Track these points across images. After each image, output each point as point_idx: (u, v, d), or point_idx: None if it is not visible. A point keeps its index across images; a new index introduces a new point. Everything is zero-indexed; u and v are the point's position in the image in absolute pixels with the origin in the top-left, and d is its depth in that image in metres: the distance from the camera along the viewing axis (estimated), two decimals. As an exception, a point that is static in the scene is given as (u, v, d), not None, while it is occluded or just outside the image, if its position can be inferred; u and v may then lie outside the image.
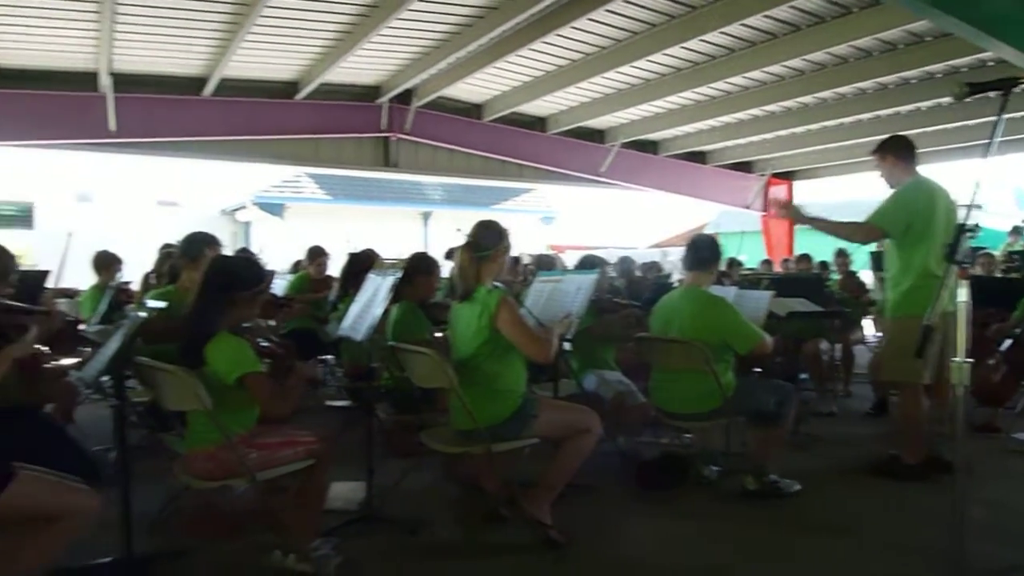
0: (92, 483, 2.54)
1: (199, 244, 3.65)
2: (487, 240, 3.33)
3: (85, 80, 7.46)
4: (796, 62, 7.71)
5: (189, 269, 3.59)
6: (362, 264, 4.66)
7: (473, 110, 9.85)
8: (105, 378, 2.96)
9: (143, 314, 2.79)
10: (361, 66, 8.06)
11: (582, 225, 21.84)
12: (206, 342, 2.74)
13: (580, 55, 7.87)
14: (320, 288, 5.95)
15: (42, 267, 4.36)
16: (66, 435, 3.07)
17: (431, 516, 3.57)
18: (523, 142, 10.36)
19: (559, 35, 7.05)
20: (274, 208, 17.11)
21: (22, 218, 14.76)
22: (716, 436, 4.29)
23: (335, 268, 6.76)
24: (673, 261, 8.90)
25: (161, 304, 2.94)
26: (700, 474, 4.09)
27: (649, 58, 7.54)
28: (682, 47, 7.28)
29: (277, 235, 15.21)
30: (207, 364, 2.73)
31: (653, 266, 7.88)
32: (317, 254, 6.40)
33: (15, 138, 7.62)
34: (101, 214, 16.02)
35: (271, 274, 4.69)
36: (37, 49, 6.85)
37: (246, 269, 2.94)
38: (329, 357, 5.74)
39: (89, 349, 3.83)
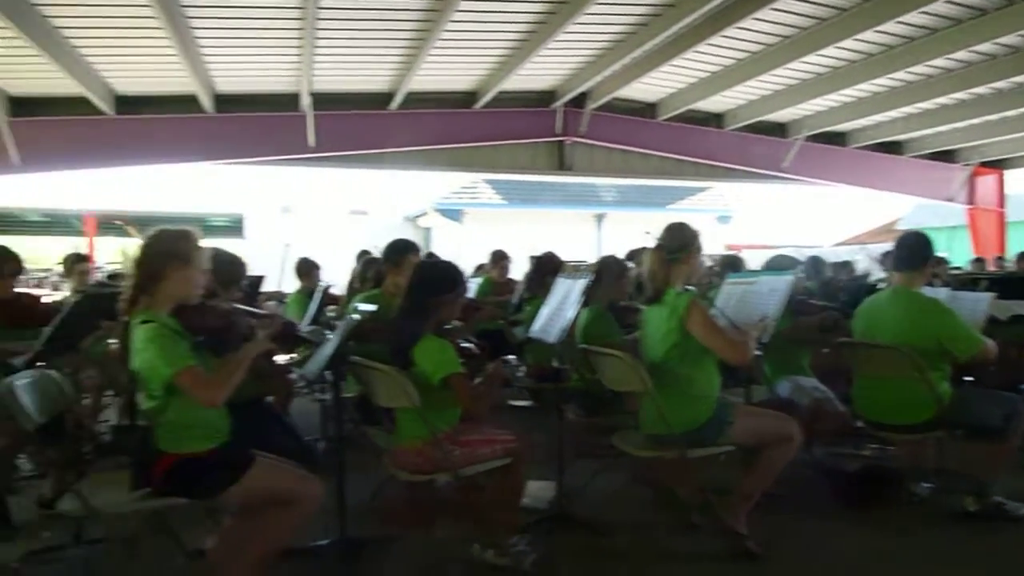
0: (310, 471, 2.80)
1: (402, 250, 3.89)
2: (678, 242, 3.29)
3: (288, 101, 8.17)
4: (1010, 38, 6.95)
5: (393, 274, 3.84)
6: (547, 267, 4.76)
7: (648, 109, 9.75)
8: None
9: (357, 316, 3.01)
10: (537, 72, 8.22)
11: (760, 224, 20.96)
12: (413, 344, 2.92)
13: (761, 46, 7.56)
14: (503, 291, 6.14)
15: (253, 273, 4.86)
16: (289, 426, 3.37)
17: (621, 519, 3.57)
18: (699, 139, 10.11)
19: (739, 27, 6.81)
20: (453, 214, 17.86)
21: (235, 228, 16.48)
22: (927, 450, 3.96)
23: (516, 271, 6.96)
24: (869, 259, 8.30)
25: (372, 307, 3.16)
26: (910, 491, 3.80)
27: (838, 45, 7.10)
28: (876, 31, 6.79)
29: (456, 240, 15.88)
30: (414, 364, 2.91)
31: (845, 266, 7.40)
32: (500, 257, 6.60)
33: (229, 156, 8.50)
34: (300, 224, 17.50)
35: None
36: (247, 75, 7.59)
37: (449, 273, 3.10)
38: (511, 357, 5.88)
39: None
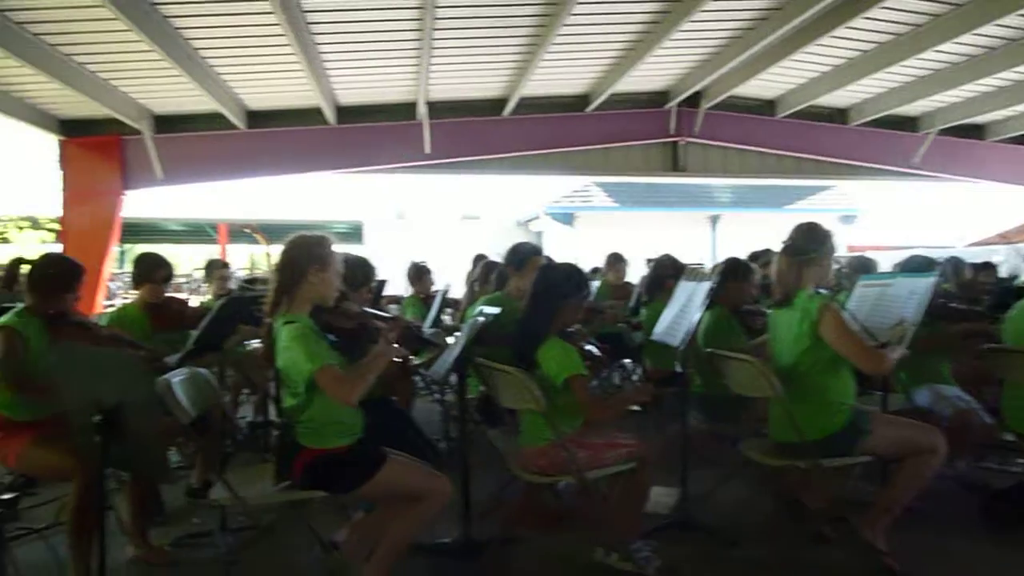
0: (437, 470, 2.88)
1: (525, 253, 3.94)
2: (809, 243, 3.18)
3: (405, 111, 8.42)
4: None
5: (516, 277, 3.90)
6: (666, 270, 4.70)
7: (766, 107, 9.43)
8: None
9: (481, 319, 3.07)
10: (650, 73, 8.12)
11: (887, 223, 19.87)
12: (537, 346, 2.95)
13: (890, 36, 7.16)
14: (619, 294, 6.11)
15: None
16: (415, 426, 3.47)
17: (747, 528, 3.48)
18: (821, 136, 9.69)
19: (866, 17, 6.49)
20: (565, 217, 17.88)
21: (354, 235, 17.21)
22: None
23: (631, 274, 6.92)
24: (1017, 258, 7.71)
25: (496, 310, 3.22)
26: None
27: (977, 31, 6.63)
28: (1020, 15, 6.31)
29: (568, 243, 15.90)
30: (538, 366, 2.95)
31: (987, 267, 6.90)
32: (616, 260, 6.57)
33: (350, 166, 8.83)
34: (415, 229, 18.06)
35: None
36: (367, 87, 7.87)
37: (573, 276, 3.12)
38: (627, 361, 5.86)
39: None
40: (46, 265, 3.33)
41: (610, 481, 3.16)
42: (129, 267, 18.63)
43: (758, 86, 8.70)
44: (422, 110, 8.21)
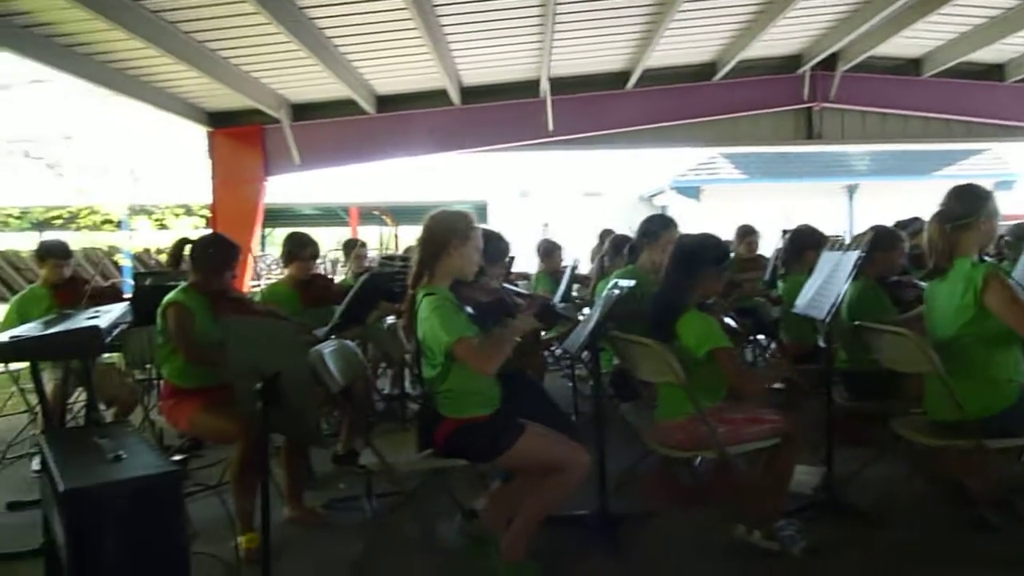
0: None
1: (660, 226, 3.89)
2: (963, 207, 2.95)
3: (527, 88, 8.44)
4: None
5: (649, 250, 3.86)
6: (805, 241, 4.50)
7: (910, 66, 8.79)
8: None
9: (616, 292, 3.05)
10: (781, 37, 7.74)
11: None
12: (676, 318, 2.91)
13: (1057, -20, 6.50)
14: (750, 267, 5.91)
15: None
16: (550, 398, 3.51)
17: (898, 512, 3.31)
18: (974, 95, 8.93)
19: (1029, -39, 5.91)
20: (690, 191, 17.41)
21: (479, 214, 17.61)
22: None
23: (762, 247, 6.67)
24: None
25: (631, 282, 3.19)
26: None
27: None
28: None
29: (693, 217, 15.51)
30: (677, 339, 2.90)
31: None
32: (747, 233, 6.36)
33: (475, 145, 8.96)
34: (537, 207, 18.16)
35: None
36: (491, 66, 7.94)
37: (712, 247, 3.05)
38: (760, 337, 5.67)
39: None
40: (207, 245, 3.59)
41: (750, 457, 3.09)
42: (270, 250, 19.93)
43: (901, 44, 8.11)
44: (544, 87, 8.19)
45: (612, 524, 3.27)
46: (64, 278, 4.74)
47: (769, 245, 6.60)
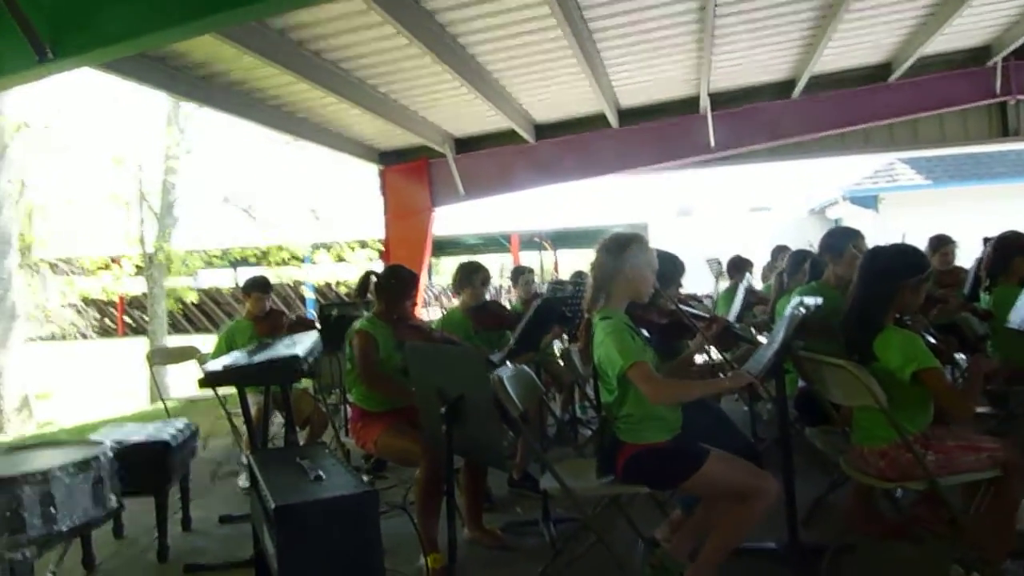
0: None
1: (843, 239, 3.67)
2: None
3: (686, 105, 8.27)
4: None
5: (834, 264, 3.64)
6: (1011, 248, 4.06)
7: (1124, 47, 7.78)
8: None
9: (802, 310, 2.88)
10: (967, 27, 7.08)
11: None
12: (872, 336, 2.70)
13: None
14: (947, 280, 5.39)
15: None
16: (732, 422, 3.36)
17: None
18: None
19: None
20: (867, 201, 16.25)
21: (639, 236, 17.63)
22: None
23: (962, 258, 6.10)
24: None
25: (818, 300, 3.00)
26: None
27: None
28: None
29: (870, 229, 14.48)
30: (875, 359, 2.69)
31: None
32: (942, 243, 5.82)
33: (635, 166, 8.87)
34: (699, 225, 17.72)
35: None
36: (647, 86, 7.85)
37: (909, 258, 2.81)
38: (960, 356, 5.14)
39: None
40: (390, 276, 3.78)
41: (963, 490, 2.79)
42: (438, 279, 20.80)
43: (1114, 23, 7.19)
44: (704, 103, 8.00)
45: (806, 557, 3.04)
46: (265, 311, 5.17)
47: (966, 256, 6.02)
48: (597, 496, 3.09)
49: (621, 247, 2.77)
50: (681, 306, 3.14)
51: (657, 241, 2.99)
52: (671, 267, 3.39)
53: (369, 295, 3.85)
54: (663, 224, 18.10)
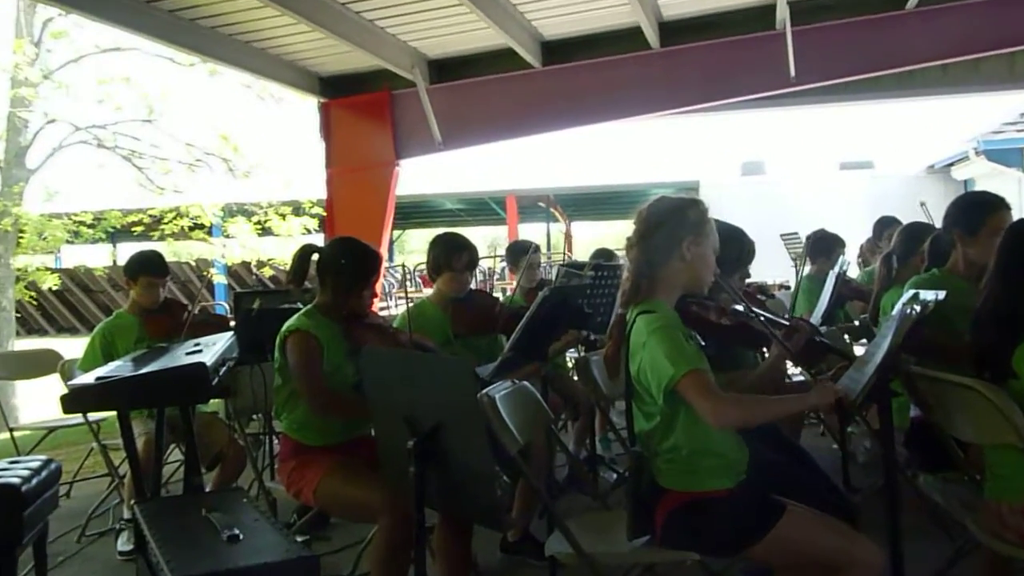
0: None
1: (977, 209, 3.68)
2: None
3: (756, 19, 8.21)
4: None
5: (965, 245, 3.65)
6: None
7: None
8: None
9: (916, 309, 2.90)
10: None
11: None
12: (1014, 345, 2.72)
13: None
14: None
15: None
16: (816, 466, 3.39)
17: None
18: None
19: None
20: (1009, 156, 16.14)
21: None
22: None
23: None
24: None
25: (939, 294, 3.03)
26: None
27: None
28: None
29: (1015, 196, 14.46)
30: (1016, 376, 2.72)
31: None
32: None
33: (683, 104, 8.76)
34: (771, 188, 17.72)
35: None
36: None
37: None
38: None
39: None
40: (339, 253, 3.79)
41: None
42: (403, 260, 20.52)
43: None
44: (782, 14, 7.98)
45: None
46: (158, 302, 5.17)
47: None
48: (627, 565, 3.11)
49: (672, 217, 2.79)
50: (757, 310, 3.16)
51: (714, 210, 3.00)
52: (736, 247, 3.41)
53: (309, 282, 3.86)
54: (722, 185, 18.05)
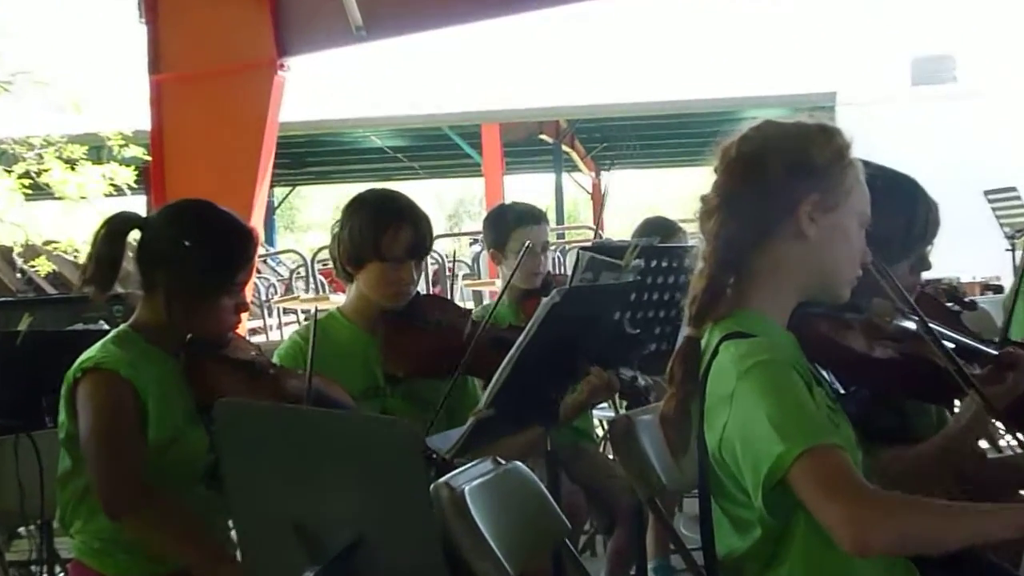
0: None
1: None
2: None
3: None
4: None
5: None
6: None
7: None
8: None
9: None
10: None
11: None
12: None
13: None
14: None
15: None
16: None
17: None
18: None
19: None
20: None
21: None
22: None
23: None
24: None
25: None
26: None
27: None
28: None
29: None
30: None
31: None
32: None
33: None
34: (966, 109, 17.86)
35: None
36: None
37: None
38: None
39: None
40: (177, 232, 3.78)
41: None
42: (286, 243, 20.30)
43: None
44: None
45: None
46: None
47: None
48: None
49: (782, 158, 2.79)
50: (929, 320, 3.18)
51: (862, 145, 2.96)
52: (904, 214, 3.44)
53: (121, 284, 3.85)
54: (877, 101, 17.99)
